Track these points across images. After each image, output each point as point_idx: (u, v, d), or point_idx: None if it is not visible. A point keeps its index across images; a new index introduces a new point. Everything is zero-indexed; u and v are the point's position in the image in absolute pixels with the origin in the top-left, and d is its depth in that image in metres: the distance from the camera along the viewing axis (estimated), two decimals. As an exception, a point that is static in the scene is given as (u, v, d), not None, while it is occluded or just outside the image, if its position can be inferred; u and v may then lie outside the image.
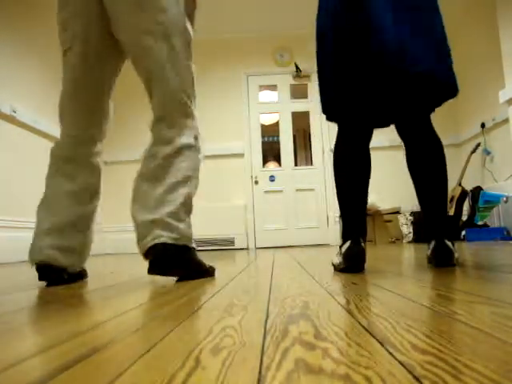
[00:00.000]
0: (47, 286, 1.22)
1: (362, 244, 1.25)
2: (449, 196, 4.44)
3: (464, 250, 2.21)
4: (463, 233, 3.89)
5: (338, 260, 1.28)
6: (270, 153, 6.45)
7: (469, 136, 4.73)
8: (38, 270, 1.24)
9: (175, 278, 1.24)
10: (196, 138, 1.32)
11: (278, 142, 5.28)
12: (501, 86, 3.86)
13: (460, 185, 4.36)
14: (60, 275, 1.25)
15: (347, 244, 1.25)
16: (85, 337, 0.51)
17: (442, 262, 1.26)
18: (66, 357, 0.42)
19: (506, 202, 3.72)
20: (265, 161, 5.48)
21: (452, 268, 1.24)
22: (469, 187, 4.26)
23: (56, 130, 4.39)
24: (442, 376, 0.32)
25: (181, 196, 1.23)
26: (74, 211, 1.32)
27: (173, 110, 1.29)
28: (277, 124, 5.36)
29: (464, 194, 4.22)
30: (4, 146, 3.24)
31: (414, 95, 1.28)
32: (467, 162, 4.48)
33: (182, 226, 1.22)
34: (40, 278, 1.24)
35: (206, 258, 2.62)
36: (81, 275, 1.37)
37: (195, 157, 1.31)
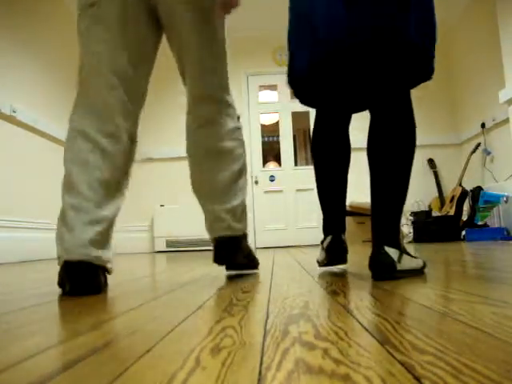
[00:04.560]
0: (71, 293, 0.95)
1: (343, 237, 1.28)
2: (449, 196, 4.45)
3: (464, 250, 2.21)
4: (463, 233, 3.89)
5: (321, 256, 1.31)
6: (270, 153, 6.44)
7: (469, 136, 4.73)
8: (70, 269, 0.96)
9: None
10: (239, 118, 1.32)
11: (278, 142, 5.28)
12: (501, 86, 3.86)
13: (460, 185, 4.36)
14: (98, 278, 0.99)
15: (328, 239, 1.28)
16: (85, 337, 0.51)
17: (378, 274, 1.02)
18: (66, 357, 0.42)
19: (506, 202, 3.72)
20: (265, 161, 5.48)
21: (452, 268, 1.24)
22: (469, 187, 4.26)
23: (56, 130, 4.34)
24: (442, 376, 0.32)
25: (244, 185, 1.30)
26: (113, 203, 1.06)
27: (219, 88, 1.25)
28: (277, 124, 5.35)
29: (464, 193, 4.22)
30: (4, 146, 3.24)
31: (395, 68, 1.08)
32: (467, 162, 4.48)
33: (245, 215, 1.31)
34: (69, 280, 0.96)
35: (206, 258, 2.61)
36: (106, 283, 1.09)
37: (242, 140, 1.32)
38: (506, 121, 3.90)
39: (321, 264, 1.31)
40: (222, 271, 1.47)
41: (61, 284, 1.00)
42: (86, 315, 0.67)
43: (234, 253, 1.25)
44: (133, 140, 1.15)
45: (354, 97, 1.25)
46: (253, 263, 1.34)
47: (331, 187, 1.30)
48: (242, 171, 1.30)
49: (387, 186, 1.08)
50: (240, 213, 1.28)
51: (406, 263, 1.04)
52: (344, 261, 1.28)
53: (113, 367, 0.38)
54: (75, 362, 0.40)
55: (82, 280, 0.95)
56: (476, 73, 4.54)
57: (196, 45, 1.18)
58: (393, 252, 1.02)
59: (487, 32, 4.20)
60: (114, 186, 1.07)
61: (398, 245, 1.05)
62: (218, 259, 1.26)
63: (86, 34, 1.09)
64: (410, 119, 1.11)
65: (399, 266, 1.01)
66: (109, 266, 1.04)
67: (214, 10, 1.18)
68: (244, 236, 1.31)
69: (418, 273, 1.08)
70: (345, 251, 1.27)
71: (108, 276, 1.09)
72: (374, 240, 1.06)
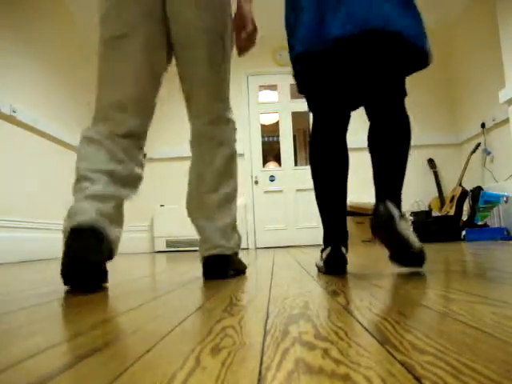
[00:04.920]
0: (71, 264, 0.96)
1: (343, 250, 1.24)
2: (449, 196, 4.45)
3: (464, 250, 2.21)
4: (463, 233, 3.89)
5: (320, 263, 1.29)
6: (270, 153, 6.44)
7: (469, 136, 4.73)
8: (74, 236, 0.98)
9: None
10: (235, 141, 1.37)
11: (278, 142, 5.28)
12: (501, 86, 3.86)
13: (460, 185, 4.36)
14: (100, 253, 1.00)
15: (327, 250, 1.24)
16: (85, 337, 0.51)
17: (378, 224, 1.13)
18: (65, 357, 0.42)
19: (506, 201, 3.72)
20: (265, 161, 5.48)
21: (452, 268, 1.24)
22: (469, 187, 4.26)
23: (56, 130, 4.33)
24: (442, 376, 0.32)
25: (235, 206, 1.34)
26: (119, 193, 1.13)
27: (224, 111, 1.32)
28: (277, 124, 5.35)
29: (464, 193, 4.22)
30: (4, 145, 3.24)
31: (385, 59, 1.19)
32: (467, 162, 4.48)
33: (236, 235, 1.33)
34: (73, 252, 0.97)
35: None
36: (106, 275, 1.11)
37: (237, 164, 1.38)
38: (506, 121, 3.90)
39: (320, 270, 1.30)
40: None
41: (64, 274, 1.00)
42: (86, 315, 0.67)
43: (223, 271, 1.23)
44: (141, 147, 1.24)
45: (353, 92, 1.31)
46: (241, 271, 1.34)
47: (330, 198, 1.30)
48: (235, 192, 1.34)
49: (388, 160, 1.21)
50: (230, 231, 1.29)
51: (405, 228, 1.10)
52: (343, 272, 1.23)
53: (113, 367, 0.38)
54: (75, 361, 0.40)
55: (87, 242, 0.98)
56: (476, 72, 4.54)
57: (209, 67, 1.26)
58: (395, 211, 1.10)
59: (487, 31, 4.20)
60: (117, 177, 1.13)
61: (399, 206, 1.15)
62: (208, 276, 1.25)
63: (107, 64, 1.19)
64: (406, 118, 1.23)
65: (398, 227, 1.08)
66: (112, 238, 1.08)
67: (227, 35, 1.30)
68: (234, 254, 1.31)
69: (415, 255, 1.10)
70: (344, 263, 1.22)
71: (108, 276, 1.09)
72: (377, 196, 1.17)
